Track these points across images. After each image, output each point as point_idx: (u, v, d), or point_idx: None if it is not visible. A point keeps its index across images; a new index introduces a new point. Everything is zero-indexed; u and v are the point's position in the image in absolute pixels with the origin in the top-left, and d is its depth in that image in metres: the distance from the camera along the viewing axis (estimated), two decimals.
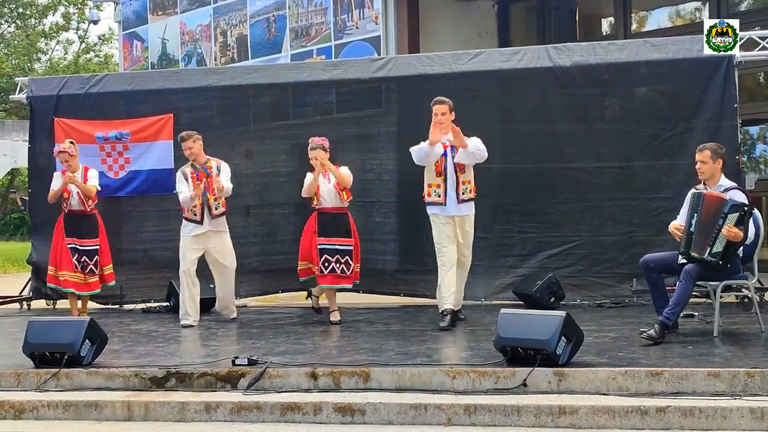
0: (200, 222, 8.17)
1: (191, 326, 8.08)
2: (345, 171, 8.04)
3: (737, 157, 8.39)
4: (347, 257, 7.92)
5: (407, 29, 12.24)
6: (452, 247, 7.49)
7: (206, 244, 8.24)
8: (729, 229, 6.13)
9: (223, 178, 8.23)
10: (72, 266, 8.57)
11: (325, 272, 7.86)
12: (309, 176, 8.03)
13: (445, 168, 7.51)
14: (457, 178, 7.51)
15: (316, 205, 8.05)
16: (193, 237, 8.18)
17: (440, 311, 7.50)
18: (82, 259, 8.62)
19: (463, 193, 7.52)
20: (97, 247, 8.71)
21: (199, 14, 15.15)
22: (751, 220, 6.37)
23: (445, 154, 7.52)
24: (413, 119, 9.07)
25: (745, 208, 6.21)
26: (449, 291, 7.46)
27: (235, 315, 8.51)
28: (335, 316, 8.02)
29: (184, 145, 8.25)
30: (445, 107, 7.49)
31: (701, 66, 8.41)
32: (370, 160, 9.26)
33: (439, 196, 7.53)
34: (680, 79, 8.55)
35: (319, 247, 7.90)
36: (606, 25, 14.60)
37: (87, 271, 8.63)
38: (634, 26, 13.69)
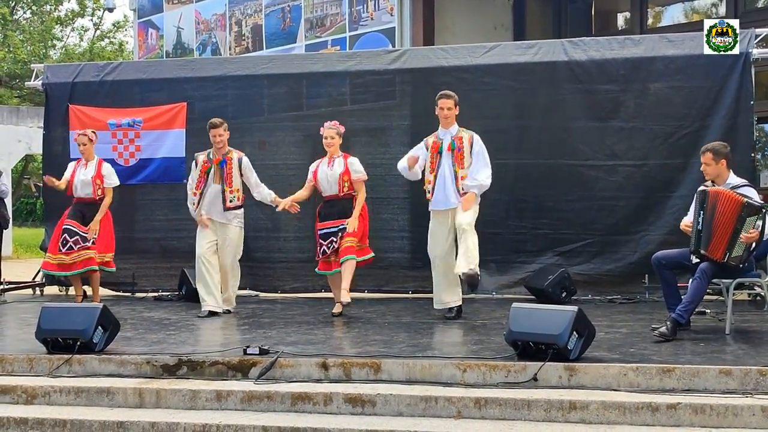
0: (194, 209, 8.21)
1: (211, 313, 7.96)
2: (354, 165, 7.96)
3: (752, 155, 8.36)
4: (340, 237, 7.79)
5: (422, 21, 12.22)
6: (438, 248, 7.55)
7: (216, 231, 8.21)
8: (749, 236, 6.11)
9: (252, 177, 8.24)
10: (56, 249, 8.58)
11: (320, 257, 7.85)
12: (314, 164, 8.08)
13: (438, 165, 7.52)
14: (455, 172, 7.49)
15: (321, 192, 8.03)
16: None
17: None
18: (74, 239, 8.54)
19: (462, 189, 7.47)
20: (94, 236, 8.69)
21: (214, 3, 15.15)
22: None
23: (441, 152, 7.53)
24: (426, 112, 9.04)
25: (763, 210, 6.19)
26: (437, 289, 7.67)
27: (226, 307, 8.25)
28: (338, 308, 7.91)
29: (215, 132, 8.11)
30: (450, 102, 7.53)
31: (718, 62, 8.36)
32: (381, 155, 9.21)
33: (429, 192, 7.58)
34: (696, 76, 8.51)
35: (318, 232, 7.92)
36: (621, 20, 14.55)
37: (68, 249, 8.50)
38: (650, 21, 13.64)
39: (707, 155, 6.52)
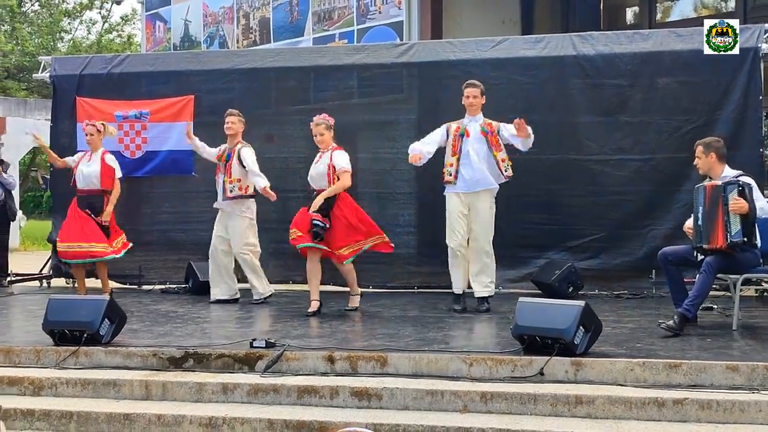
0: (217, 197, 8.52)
1: (221, 301, 8.41)
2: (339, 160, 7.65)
3: (760, 150, 8.33)
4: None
5: (430, 15, 12.18)
6: (459, 237, 7.56)
7: (223, 220, 8.51)
8: (734, 203, 6.12)
9: (248, 164, 8.26)
10: (69, 236, 8.51)
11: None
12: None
13: (460, 149, 7.57)
14: (495, 156, 7.58)
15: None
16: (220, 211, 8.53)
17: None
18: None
19: (505, 170, 7.63)
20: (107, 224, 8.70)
21: None
22: (765, 200, 6.44)
23: (462, 135, 7.60)
24: (434, 106, 9.04)
25: (739, 181, 6.22)
26: (455, 275, 7.69)
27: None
28: (353, 302, 7.86)
29: (227, 119, 8.44)
30: (476, 90, 7.64)
31: (726, 57, 8.27)
32: (388, 149, 9.18)
33: (450, 175, 7.60)
34: (705, 71, 8.46)
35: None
36: (630, 14, 14.51)
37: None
38: (658, 16, 13.59)
39: (698, 148, 6.64)
